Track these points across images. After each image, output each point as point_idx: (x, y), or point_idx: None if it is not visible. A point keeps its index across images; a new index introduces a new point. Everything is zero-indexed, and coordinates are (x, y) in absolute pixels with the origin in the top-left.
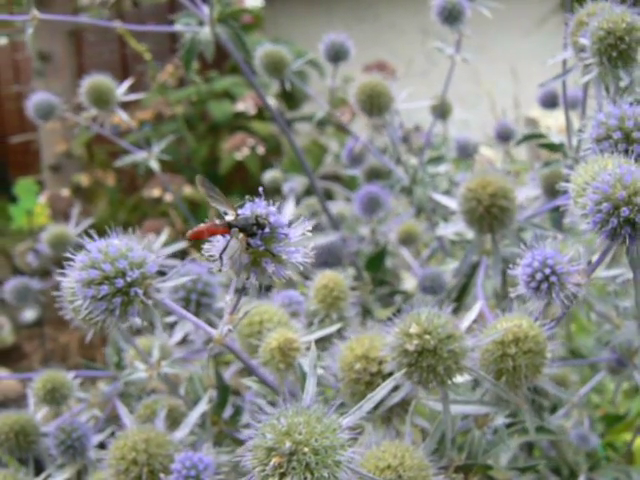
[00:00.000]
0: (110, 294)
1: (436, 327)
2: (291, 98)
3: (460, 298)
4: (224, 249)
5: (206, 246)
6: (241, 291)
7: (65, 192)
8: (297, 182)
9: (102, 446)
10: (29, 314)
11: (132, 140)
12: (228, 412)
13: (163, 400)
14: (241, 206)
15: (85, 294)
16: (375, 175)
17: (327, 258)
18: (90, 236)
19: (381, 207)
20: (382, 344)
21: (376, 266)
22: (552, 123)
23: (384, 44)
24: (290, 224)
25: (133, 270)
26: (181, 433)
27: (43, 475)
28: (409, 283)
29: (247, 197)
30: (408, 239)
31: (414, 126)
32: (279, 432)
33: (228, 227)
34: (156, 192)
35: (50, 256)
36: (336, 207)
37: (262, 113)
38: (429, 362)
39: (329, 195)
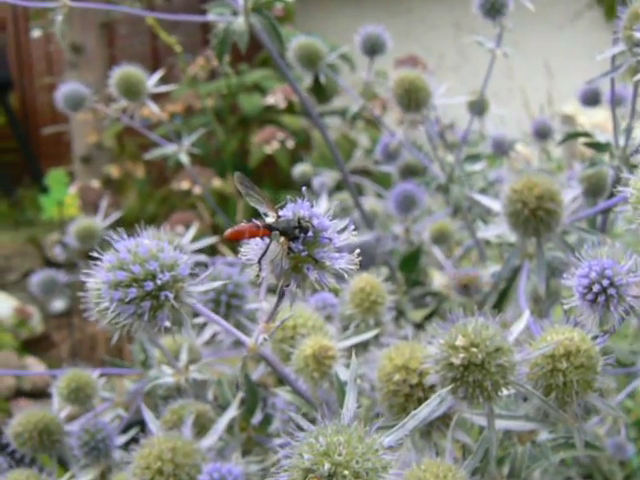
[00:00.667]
0: (139, 297)
1: (484, 339)
2: (321, 92)
3: (500, 303)
4: (264, 253)
5: (244, 249)
6: (279, 298)
7: (95, 183)
8: (327, 177)
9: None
10: (58, 304)
11: (162, 132)
12: (257, 418)
13: (190, 405)
14: (282, 206)
15: (112, 297)
16: (410, 172)
17: (360, 257)
18: (118, 232)
19: (416, 206)
20: (423, 354)
21: (411, 266)
22: (585, 120)
23: (416, 39)
24: (333, 227)
25: (164, 272)
26: (209, 441)
27: (66, 476)
28: (438, 281)
29: (289, 197)
30: (441, 238)
31: (450, 122)
32: (317, 452)
33: (269, 229)
34: (185, 185)
35: (77, 249)
36: (367, 203)
37: (292, 107)
38: (476, 377)
39: (359, 190)
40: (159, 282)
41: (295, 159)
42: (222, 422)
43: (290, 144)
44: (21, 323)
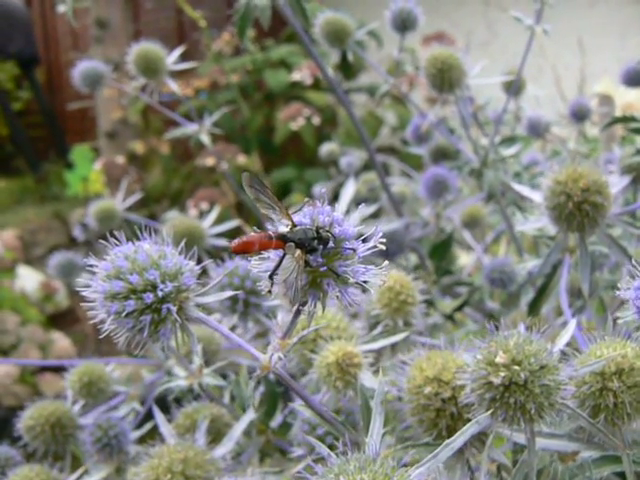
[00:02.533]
0: (137, 311)
1: (527, 356)
2: (347, 68)
3: (538, 300)
4: (276, 268)
5: (255, 261)
6: (296, 314)
7: (120, 159)
8: (355, 157)
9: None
10: (82, 272)
11: (187, 109)
12: (277, 420)
13: (205, 408)
14: (298, 211)
15: (108, 309)
16: (442, 155)
17: (388, 245)
18: (116, 234)
19: (448, 191)
20: (457, 364)
21: (441, 255)
22: (617, 101)
23: (444, 15)
24: (358, 235)
25: (165, 282)
26: (224, 449)
27: (79, 472)
28: (464, 260)
29: (306, 200)
30: (472, 222)
31: (485, 102)
32: None
33: (282, 240)
34: (210, 161)
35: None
36: (395, 185)
37: (318, 83)
38: (518, 398)
39: (385, 170)
40: (160, 294)
41: (321, 136)
42: (238, 428)
43: (316, 121)
44: (47, 298)
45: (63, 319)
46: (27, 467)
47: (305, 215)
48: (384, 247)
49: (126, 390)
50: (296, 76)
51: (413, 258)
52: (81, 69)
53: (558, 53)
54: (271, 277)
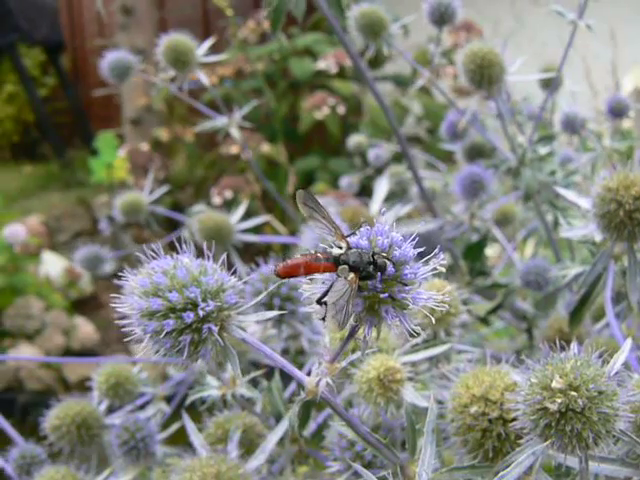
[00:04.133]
0: (177, 330)
1: (585, 382)
2: (374, 57)
3: (580, 310)
4: (326, 292)
5: (305, 286)
6: (348, 338)
7: (144, 146)
8: (383, 149)
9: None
10: (107, 266)
11: (212, 97)
12: (310, 429)
13: (237, 418)
14: (353, 233)
15: (145, 328)
16: (477, 153)
17: (422, 246)
18: (151, 248)
19: (485, 190)
20: (505, 383)
21: (475, 255)
22: None
23: (471, 4)
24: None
25: (207, 301)
26: (257, 462)
27: (105, 473)
28: (489, 253)
29: (363, 221)
30: (504, 220)
31: (523, 98)
32: None
33: (335, 264)
34: (234, 149)
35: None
36: (426, 180)
37: (343, 72)
38: (574, 426)
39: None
40: (201, 313)
41: (345, 125)
42: (272, 440)
43: (341, 110)
44: (71, 284)
45: (87, 305)
46: (53, 468)
47: (362, 236)
48: (444, 270)
49: (153, 391)
50: (321, 65)
51: (446, 258)
52: (109, 60)
53: (588, 43)
54: (319, 302)
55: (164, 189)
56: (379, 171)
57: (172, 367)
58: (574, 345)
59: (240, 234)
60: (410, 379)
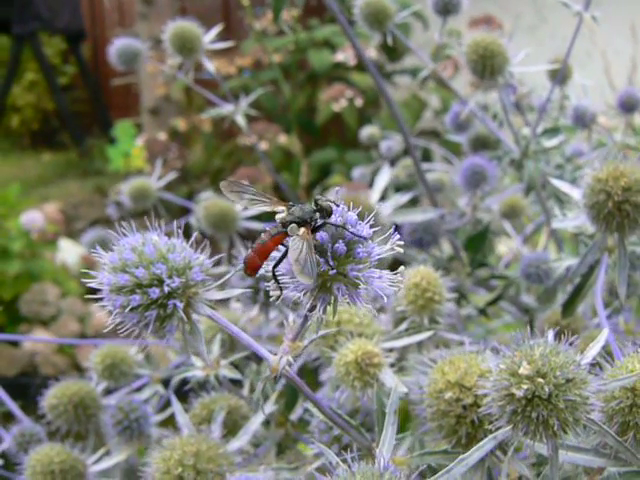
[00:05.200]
0: (143, 306)
1: (553, 368)
2: (393, 49)
3: (573, 300)
4: (281, 258)
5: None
6: (306, 317)
7: (162, 136)
8: (395, 141)
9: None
10: None
11: (230, 87)
12: (297, 413)
13: (222, 399)
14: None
15: (114, 302)
16: (481, 144)
17: (422, 235)
18: (128, 224)
19: (486, 181)
20: (481, 370)
21: (477, 247)
22: None
23: None
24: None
25: (172, 277)
26: (239, 442)
27: (100, 452)
28: (501, 249)
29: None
30: (512, 213)
31: (528, 90)
32: None
33: (283, 226)
34: (251, 139)
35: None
36: (434, 174)
37: (362, 64)
38: (540, 413)
39: (427, 155)
40: (166, 289)
41: (363, 118)
42: (255, 422)
43: (358, 102)
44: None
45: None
46: (48, 446)
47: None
48: (401, 250)
49: (149, 373)
50: (340, 56)
51: (447, 249)
52: (117, 46)
53: (608, 38)
54: (274, 275)
55: (172, 176)
56: (392, 163)
57: (171, 350)
58: (549, 332)
59: (245, 221)
60: (391, 365)
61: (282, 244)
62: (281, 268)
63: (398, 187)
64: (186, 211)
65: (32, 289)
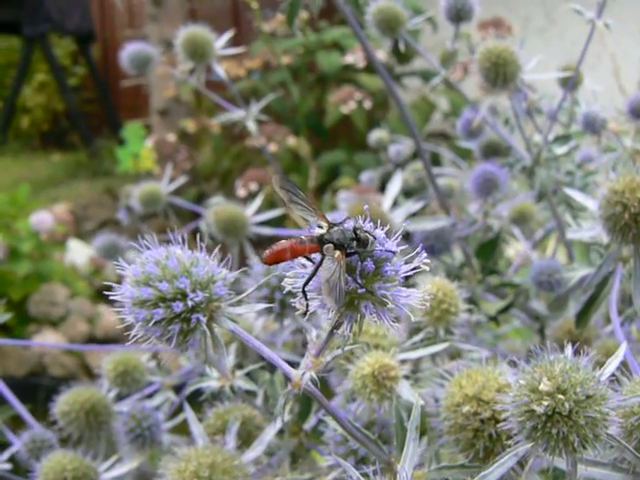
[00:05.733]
0: (166, 320)
1: (574, 385)
2: (402, 53)
3: (586, 312)
4: (311, 276)
5: (290, 274)
6: (333, 329)
7: (171, 137)
8: (404, 145)
9: None
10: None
11: (239, 90)
12: (311, 422)
13: (236, 409)
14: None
15: (136, 316)
16: (492, 151)
17: (434, 243)
18: (149, 237)
19: (498, 189)
20: (499, 384)
21: (488, 254)
22: None
23: (502, 1)
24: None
25: (196, 291)
26: (253, 453)
27: (112, 460)
28: (510, 252)
29: (347, 217)
30: (521, 219)
31: (540, 96)
32: None
33: (319, 243)
34: (260, 141)
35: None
36: (444, 179)
37: (371, 66)
38: (561, 429)
39: (435, 159)
40: (190, 303)
41: (372, 120)
42: (270, 432)
43: (368, 105)
44: (96, 272)
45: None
46: (61, 453)
47: (342, 216)
48: (428, 268)
49: (161, 380)
50: (349, 59)
51: (459, 255)
52: (129, 51)
53: (619, 41)
54: (304, 292)
55: (182, 180)
56: (401, 167)
57: (183, 357)
58: (568, 348)
59: (255, 226)
60: (407, 377)
61: (308, 258)
62: (310, 284)
63: (407, 192)
64: (197, 214)
65: (41, 290)
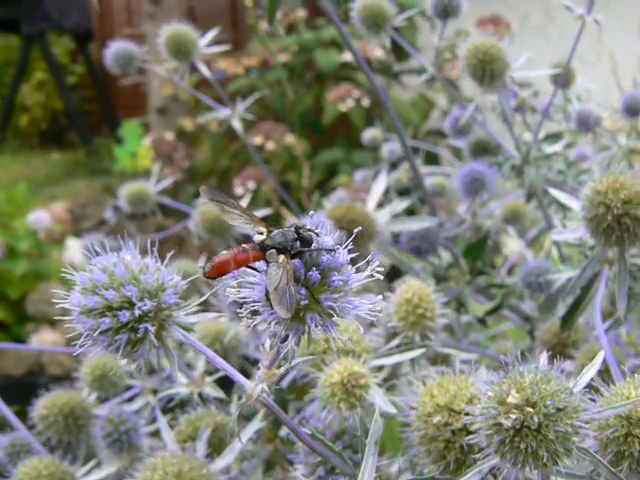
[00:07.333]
0: (113, 329)
1: (544, 397)
2: (399, 50)
3: (571, 315)
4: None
5: (231, 287)
6: (282, 341)
7: (169, 135)
8: (397, 144)
9: None
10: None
11: (237, 87)
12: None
13: (208, 415)
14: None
15: (83, 324)
16: (482, 149)
17: (420, 243)
18: (103, 244)
19: (486, 188)
20: (471, 393)
21: (476, 254)
22: None
23: None
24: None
25: (144, 300)
26: (223, 462)
27: (89, 466)
28: (510, 247)
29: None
30: (514, 218)
31: (532, 93)
32: None
33: (261, 250)
34: (258, 140)
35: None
36: (434, 179)
37: (369, 64)
38: (529, 443)
39: (433, 157)
40: (137, 312)
41: (370, 118)
42: (241, 440)
43: (365, 103)
44: None
45: None
46: (37, 458)
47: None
48: (381, 277)
49: (140, 384)
50: (347, 56)
51: (446, 256)
52: (113, 50)
53: (618, 38)
54: (246, 302)
55: (171, 179)
56: (395, 166)
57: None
58: (542, 355)
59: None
60: (384, 381)
61: (251, 267)
62: (253, 294)
63: (400, 191)
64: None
65: (39, 288)
